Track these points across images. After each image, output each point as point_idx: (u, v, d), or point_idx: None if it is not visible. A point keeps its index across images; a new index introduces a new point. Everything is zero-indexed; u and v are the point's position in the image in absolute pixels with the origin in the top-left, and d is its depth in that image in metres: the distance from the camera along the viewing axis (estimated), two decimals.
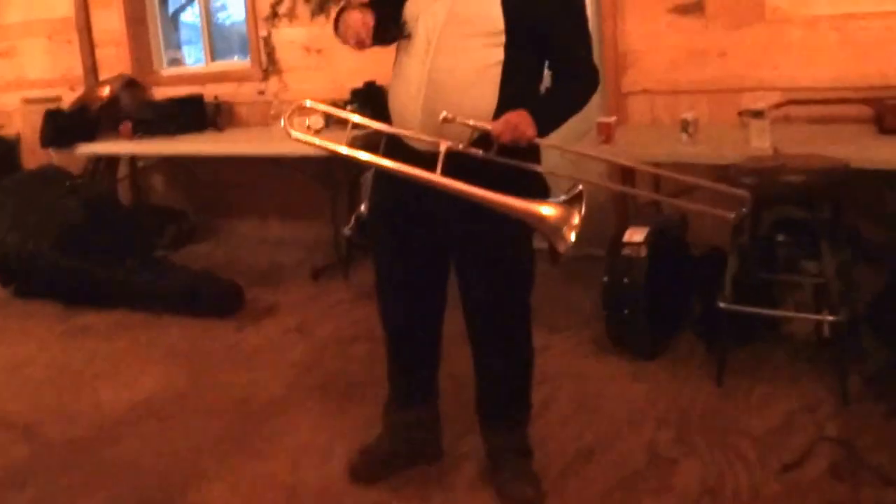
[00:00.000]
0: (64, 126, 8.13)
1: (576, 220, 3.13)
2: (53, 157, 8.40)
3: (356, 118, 3.52)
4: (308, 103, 3.58)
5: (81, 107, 8.51)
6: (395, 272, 3.73)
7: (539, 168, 3.44)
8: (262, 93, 8.36)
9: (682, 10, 6.03)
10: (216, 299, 6.32)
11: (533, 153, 3.43)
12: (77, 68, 9.57)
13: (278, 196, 8.36)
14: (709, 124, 5.69)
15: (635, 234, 4.97)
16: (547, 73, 3.56)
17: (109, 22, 9.30)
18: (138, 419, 4.77)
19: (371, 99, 6.99)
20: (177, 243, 8.46)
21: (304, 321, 6.10)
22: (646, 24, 6.21)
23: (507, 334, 3.71)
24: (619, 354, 5.04)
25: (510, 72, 3.35)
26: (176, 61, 9.67)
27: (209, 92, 8.54)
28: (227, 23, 9.84)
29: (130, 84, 8.72)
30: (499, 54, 3.32)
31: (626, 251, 4.94)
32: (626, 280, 4.87)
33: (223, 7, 9.79)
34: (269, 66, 8.26)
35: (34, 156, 9.26)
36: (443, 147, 3.18)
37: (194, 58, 9.74)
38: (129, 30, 9.22)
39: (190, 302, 6.33)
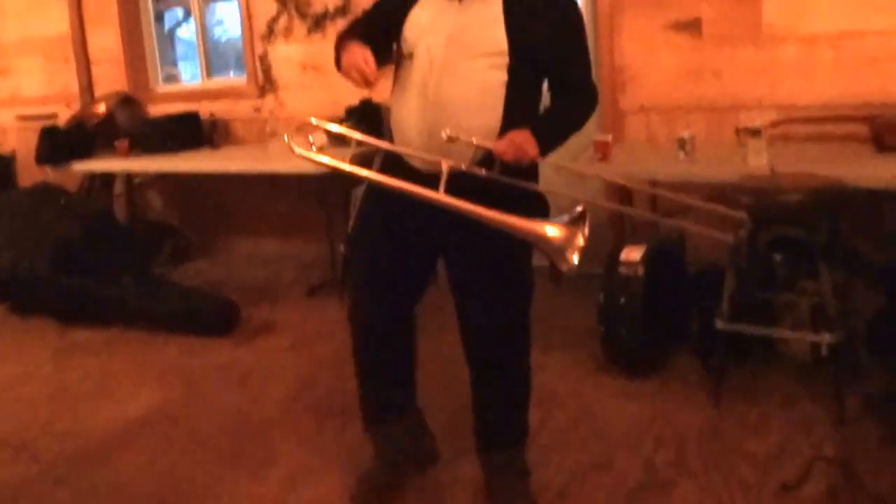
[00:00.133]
0: (60, 143, 8.12)
1: (580, 241, 3.11)
2: (49, 174, 8.39)
3: (359, 136, 3.51)
4: (313, 121, 3.55)
5: (77, 124, 8.51)
6: (377, 275, 3.68)
7: (537, 187, 3.44)
8: (258, 110, 8.37)
9: (678, 28, 6.04)
10: (212, 317, 6.30)
11: (532, 172, 3.45)
12: (73, 85, 9.58)
13: (274, 213, 8.36)
14: (706, 142, 5.69)
15: (632, 253, 4.96)
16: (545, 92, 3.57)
17: (105, 39, 9.32)
18: (133, 438, 4.75)
19: (367, 116, 7.00)
20: (173, 261, 8.46)
21: (299, 339, 6.09)
22: (642, 42, 6.22)
23: (505, 351, 3.68)
24: (616, 374, 5.03)
25: (513, 92, 3.36)
26: (172, 77, 9.69)
27: (205, 109, 8.55)
28: (223, 39, 9.85)
29: (126, 101, 8.71)
30: (502, 75, 3.33)
31: (622, 270, 4.93)
32: (622, 299, 4.87)
33: (219, 23, 9.80)
34: (266, 83, 8.27)
35: (30, 173, 9.26)
36: (445, 166, 3.17)
37: (190, 73, 9.76)
38: (125, 47, 9.23)
39: (186, 320, 6.31)
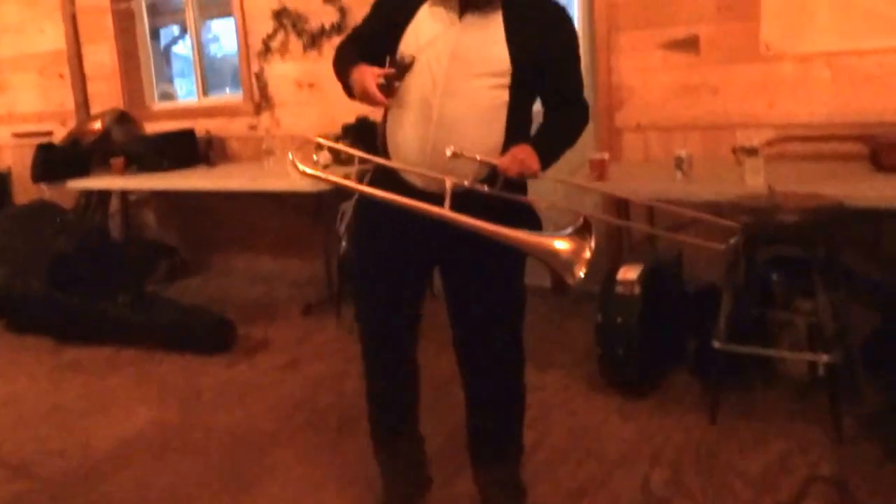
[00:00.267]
0: (55, 161, 8.13)
1: (587, 253, 3.11)
2: (45, 191, 8.39)
3: (362, 154, 3.51)
4: (320, 141, 3.54)
5: (73, 141, 8.52)
6: (380, 286, 3.66)
7: (542, 200, 3.47)
8: (253, 128, 8.37)
9: (675, 47, 6.04)
10: (208, 335, 6.29)
11: (523, 188, 3.46)
12: (69, 102, 9.59)
13: (270, 231, 8.36)
14: (703, 161, 5.68)
15: (629, 272, 4.96)
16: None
17: (101, 56, 9.34)
18: (130, 455, 4.74)
19: (363, 134, 6.99)
20: (168, 278, 8.47)
21: (295, 357, 6.08)
22: (639, 60, 6.22)
23: (502, 365, 3.68)
24: (613, 393, 5.02)
25: (514, 109, 3.37)
26: (167, 95, 9.69)
27: (201, 126, 8.55)
28: (219, 55, 9.87)
29: (122, 118, 8.72)
30: (504, 93, 3.33)
31: (619, 289, 4.93)
32: (619, 319, 4.87)
33: (215, 39, 9.82)
34: (262, 100, 8.27)
35: (25, 190, 9.27)
36: (448, 183, 3.16)
37: (186, 90, 9.77)
38: (121, 64, 9.24)
39: (182, 338, 6.31)
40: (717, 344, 4.53)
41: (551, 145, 3.44)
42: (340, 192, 5.59)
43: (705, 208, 4.38)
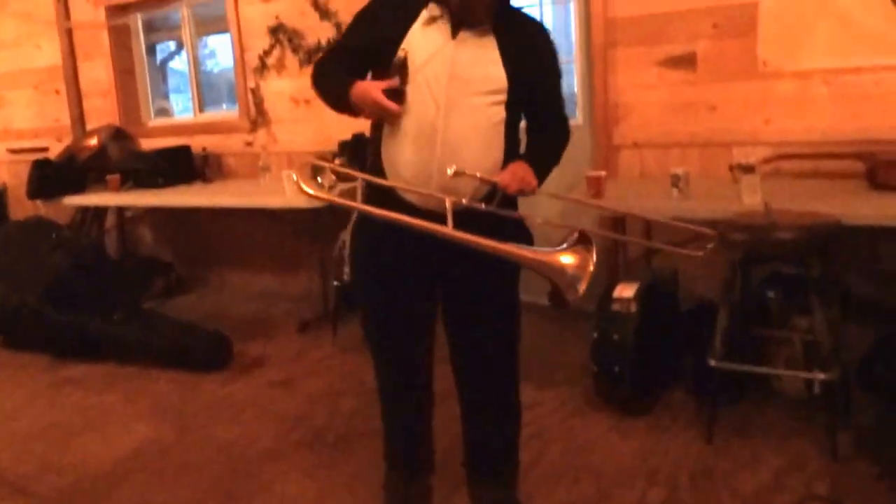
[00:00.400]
0: (51, 177, 8.12)
1: (591, 266, 3.10)
2: (41, 207, 8.39)
3: (365, 176, 3.50)
4: (327, 165, 3.54)
5: (69, 157, 8.51)
6: (388, 306, 3.63)
7: (535, 216, 3.48)
8: (250, 144, 8.38)
9: (672, 64, 6.04)
10: (204, 352, 6.29)
11: (514, 204, 3.48)
12: (64, 118, 9.60)
13: (266, 248, 8.37)
14: (700, 178, 5.68)
15: (625, 290, 4.96)
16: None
17: (97, 72, 9.35)
18: (126, 473, 4.73)
19: (359, 150, 6.99)
20: (164, 295, 8.47)
21: (292, 374, 6.08)
22: (636, 77, 6.22)
23: (499, 381, 3.70)
24: (610, 411, 5.02)
25: (510, 126, 3.40)
26: (164, 111, 9.69)
27: (197, 143, 8.55)
28: (215, 70, 9.88)
29: (118, 135, 8.71)
30: (501, 111, 3.35)
31: (616, 307, 4.93)
32: (616, 336, 4.87)
33: (212, 54, 9.83)
34: (258, 117, 8.27)
35: (21, 206, 9.28)
36: (449, 202, 3.15)
37: (182, 105, 9.77)
38: (117, 80, 9.25)
39: (178, 355, 6.30)
40: (713, 362, 4.53)
41: (544, 161, 3.48)
42: (337, 210, 5.61)
43: (702, 226, 4.40)
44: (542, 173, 3.42)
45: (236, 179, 8.46)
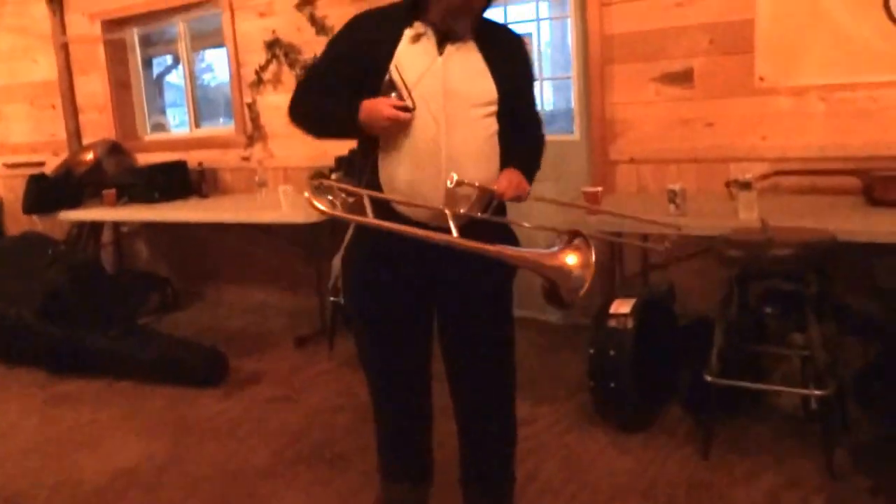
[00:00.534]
0: (47, 192, 8.12)
1: (591, 265, 3.11)
2: (37, 222, 8.39)
3: (371, 193, 3.50)
4: (335, 184, 3.54)
5: (65, 172, 8.52)
6: (384, 325, 3.64)
7: (543, 227, 3.51)
8: (246, 159, 8.38)
9: (669, 80, 6.05)
10: (200, 368, 6.27)
11: (504, 211, 3.54)
12: (60, 133, 9.61)
13: (263, 263, 8.37)
14: (697, 194, 5.70)
15: (622, 306, 4.96)
16: None
17: (93, 86, 9.37)
18: (122, 489, 4.71)
19: (355, 166, 6.99)
20: (160, 310, 8.46)
21: (288, 390, 6.06)
22: (633, 94, 6.23)
23: (493, 398, 3.71)
24: (606, 426, 5.01)
25: (502, 136, 3.44)
26: (160, 126, 9.69)
27: (193, 158, 8.55)
28: (212, 84, 9.89)
29: (114, 149, 8.73)
30: (494, 121, 3.40)
31: (612, 323, 4.92)
32: (612, 352, 4.85)
33: (208, 68, 9.84)
34: (254, 132, 8.28)
35: (17, 221, 9.27)
36: (450, 213, 3.15)
37: (179, 119, 9.78)
38: (113, 95, 9.27)
39: (174, 370, 6.29)
40: (709, 377, 4.52)
41: (531, 166, 3.54)
42: (333, 224, 5.60)
43: (699, 241, 4.40)
44: (530, 178, 3.48)
45: (233, 194, 8.48)
